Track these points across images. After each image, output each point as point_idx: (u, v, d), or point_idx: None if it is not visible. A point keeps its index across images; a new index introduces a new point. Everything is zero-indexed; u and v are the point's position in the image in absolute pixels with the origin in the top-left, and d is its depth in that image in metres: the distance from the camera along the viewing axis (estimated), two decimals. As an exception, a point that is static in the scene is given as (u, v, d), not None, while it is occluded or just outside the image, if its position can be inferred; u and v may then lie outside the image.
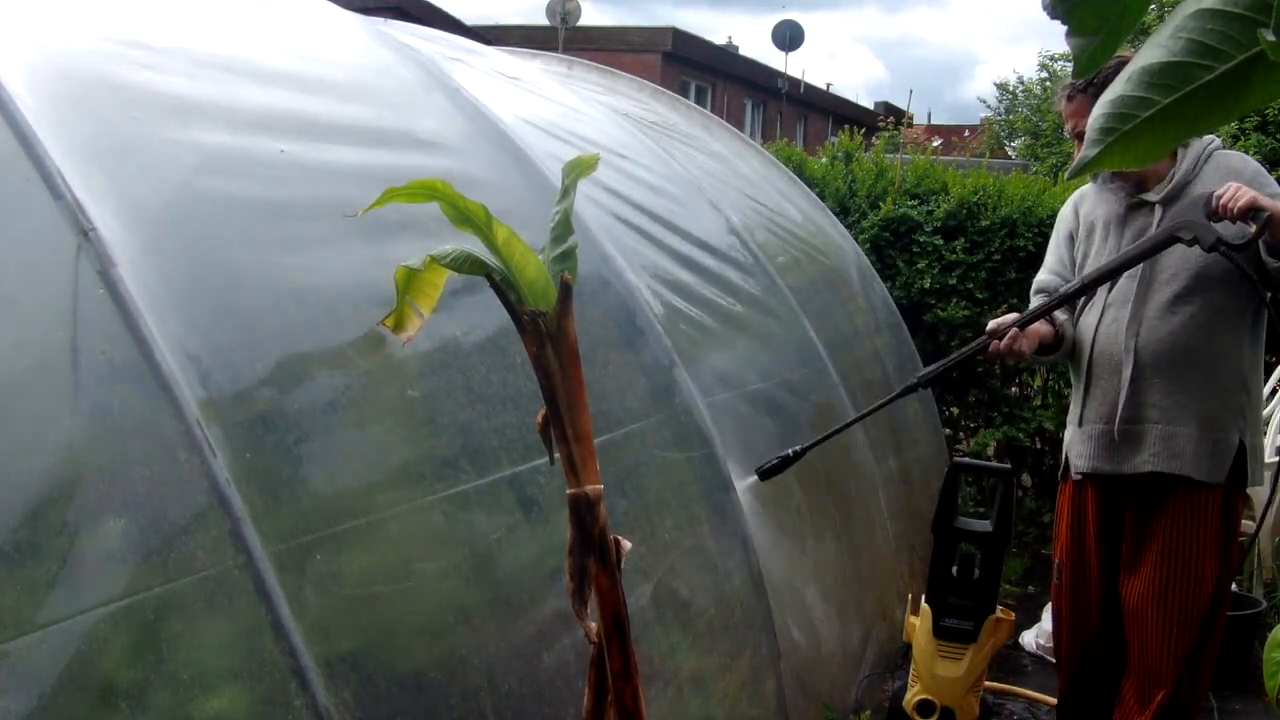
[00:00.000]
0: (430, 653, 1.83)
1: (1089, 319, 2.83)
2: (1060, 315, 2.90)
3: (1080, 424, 2.86)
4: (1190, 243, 2.59)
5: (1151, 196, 2.75)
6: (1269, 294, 2.61)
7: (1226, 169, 2.69)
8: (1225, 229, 2.56)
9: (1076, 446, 2.86)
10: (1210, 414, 2.67)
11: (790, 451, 2.94)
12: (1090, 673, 2.95)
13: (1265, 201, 2.48)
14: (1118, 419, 2.73)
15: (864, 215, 5.32)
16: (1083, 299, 2.86)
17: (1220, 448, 2.67)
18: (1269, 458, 4.37)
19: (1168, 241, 2.64)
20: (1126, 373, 2.72)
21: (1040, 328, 2.84)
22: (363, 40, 2.67)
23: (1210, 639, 2.74)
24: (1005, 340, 2.79)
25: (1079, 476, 2.88)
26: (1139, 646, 2.77)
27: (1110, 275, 2.74)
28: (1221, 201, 2.52)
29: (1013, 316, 2.84)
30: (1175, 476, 2.69)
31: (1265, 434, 4.51)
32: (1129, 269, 2.72)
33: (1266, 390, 5.13)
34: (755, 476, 2.90)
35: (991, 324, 2.86)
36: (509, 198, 2.46)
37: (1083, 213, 2.94)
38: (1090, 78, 2.62)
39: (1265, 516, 3.92)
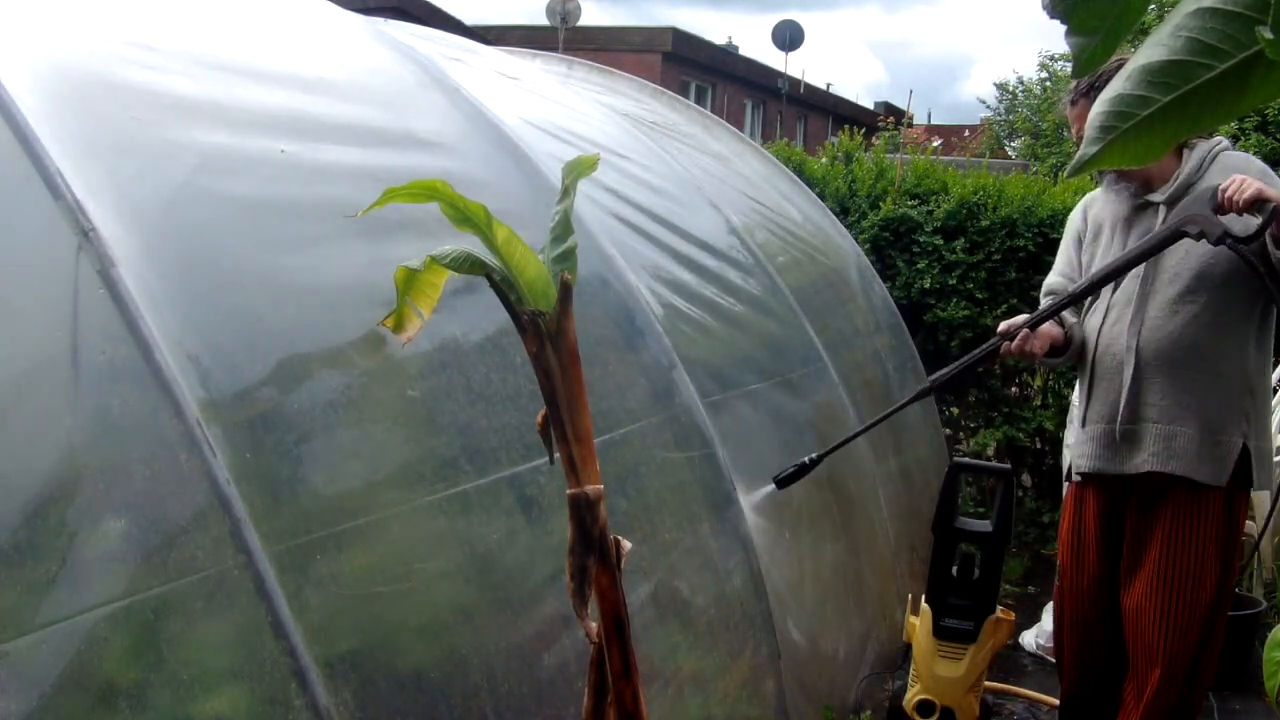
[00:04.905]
0: (430, 653, 1.83)
1: (1094, 319, 2.83)
2: (1069, 318, 2.89)
3: (1083, 424, 2.86)
4: (1197, 237, 2.55)
5: (1156, 197, 2.74)
6: (1278, 289, 2.58)
7: (1232, 169, 2.65)
8: (1232, 222, 2.52)
9: (1079, 447, 2.86)
10: (1211, 415, 2.65)
11: (807, 459, 2.94)
12: (1092, 675, 2.95)
13: (1271, 192, 2.45)
14: (1119, 419, 2.72)
15: (864, 215, 5.32)
16: (1089, 299, 2.85)
17: (1221, 450, 2.64)
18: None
19: (1175, 236, 2.60)
20: (1128, 372, 2.71)
21: (1050, 329, 2.84)
22: (362, 40, 2.67)
23: (1211, 641, 2.73)
24: (1016, 341, 2.79)
25: (1079, 478, 2.88)
26: (1138, 649, 2.76)
27: (1117, 273, 2.72)
28: (1227, 194, 2.49)
29: (1023, 318, 2.84)
30: (1175, 477, 2.68)
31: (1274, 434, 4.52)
32: (1136, 265, 2.70)
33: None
34: (772, 486, 2.90)
35: (1003, 325, 2.86)
36: (509, 198, 2.45)
37: (1091, 215, 2.94)
38: (1093, 81, 2.63)
39: (1270, 518, 3.92)
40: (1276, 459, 4.31)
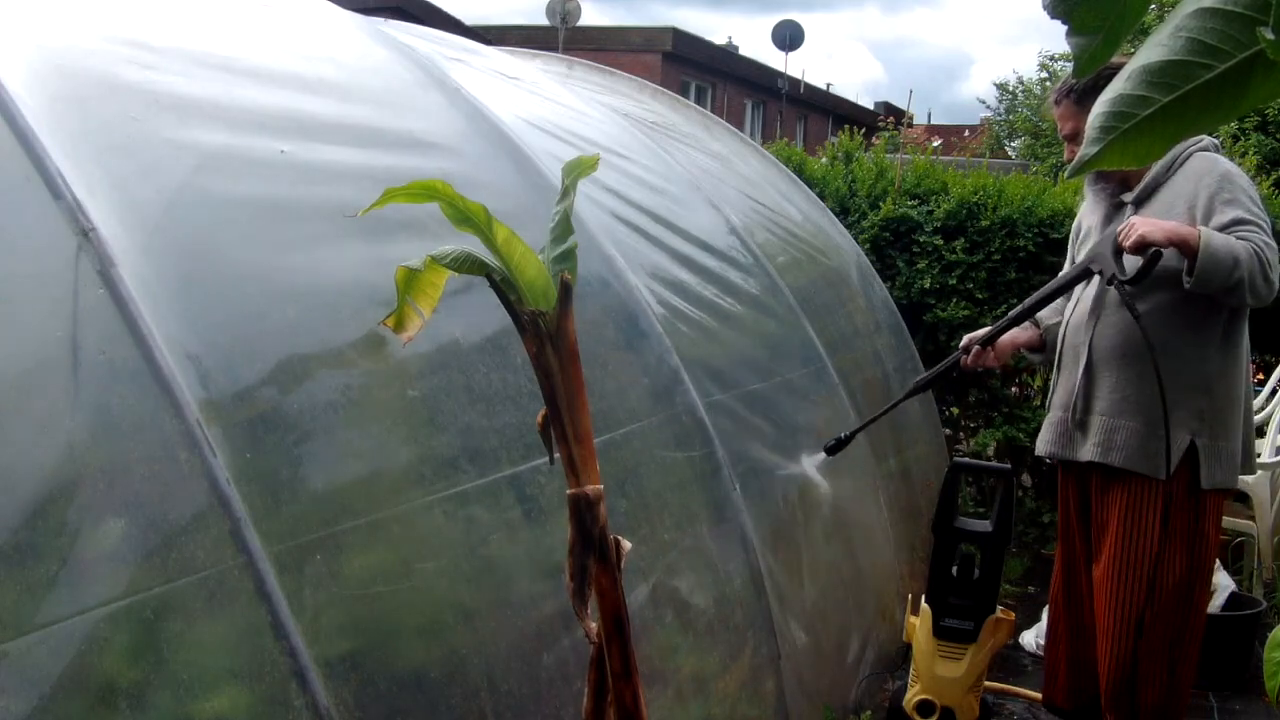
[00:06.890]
0: (430, 653, 1.83)
1: (1067, 311, 2.94)
2: (1049, 319, 3.03)
3: (1047, 410, 2.99)
4: (1100, 276, 2.71)
5: (1128, 197, 2.80)
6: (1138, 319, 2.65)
7: (1194, 172, 2.70)
8: (1128, 261, 2.65)
9: (1042, 431, 2.99)
10: (1157, 411, 2.65)
11: (843, 434, 3.17)
12: (1081, 665, 2.95)
13: (1157, 236, 2.54)
14: (1074, 409, 2.81)
15: (864, 215, 5.32)
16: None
17: (1164, 445, 2.64)
18: (1269, 458, 4.38)
19: (1084, 274, 2.78)
20: (1081, 364, 2.79)
21: (1018, 335, 3.03)
22: (362, 40, 2.67)
23: (1186, 639, 2.73)
24: (971, 356, 2.99)
25: (1049, 462, 2.95)
26: (1099, 635, 2.79)
27: (1043, 301, 2.91)
28: (1119, 238, 2.63)
29: (983, 332, 3.04)
30: (1119, 468, 2.72)
31: (1265, 435, 4.52)
32: (1055, 298, 2.91)
33: (1266, 390, 5.13)
34: (823, 454, 3.16)
35: (965, 339, 3.05)
36: (508, 198, 2.46)
37: (1080, 214, 3.02)
38: (1073, 84, 2.70)
39: (1273, 518, 3.93)
40: (1273, 459, 4.33)
